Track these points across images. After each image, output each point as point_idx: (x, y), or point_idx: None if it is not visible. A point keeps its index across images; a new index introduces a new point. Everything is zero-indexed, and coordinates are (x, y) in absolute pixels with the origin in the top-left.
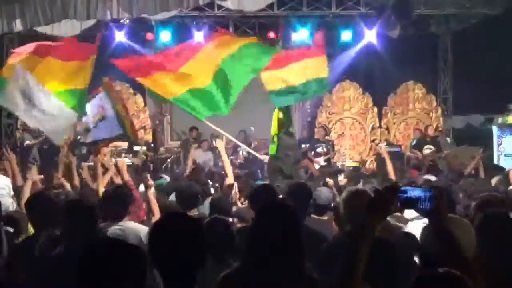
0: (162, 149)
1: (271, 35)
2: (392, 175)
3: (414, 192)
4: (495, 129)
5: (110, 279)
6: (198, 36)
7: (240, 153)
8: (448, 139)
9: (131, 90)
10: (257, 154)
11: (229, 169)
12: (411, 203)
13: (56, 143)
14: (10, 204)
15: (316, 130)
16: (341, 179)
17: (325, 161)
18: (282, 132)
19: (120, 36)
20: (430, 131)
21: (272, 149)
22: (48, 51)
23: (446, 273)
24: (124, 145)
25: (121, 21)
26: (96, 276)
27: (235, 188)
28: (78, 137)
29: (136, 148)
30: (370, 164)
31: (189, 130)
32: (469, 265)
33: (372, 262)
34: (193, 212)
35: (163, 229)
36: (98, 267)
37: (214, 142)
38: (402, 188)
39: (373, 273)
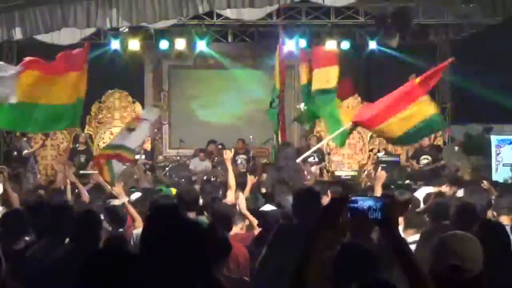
0: (160, 157)
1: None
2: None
3: (365, 202)
4: (493, 138)
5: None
6: (201, 45)
7: (239, 161)
8: (456, 148)
9: (130, 98)
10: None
11: (232, 182)
12: (362, 213)
13: None
14: None
15: (309, 137)
16: None
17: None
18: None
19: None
20: (425, 141)
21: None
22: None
23: (382, 282)
24: None
25: (120, 29)
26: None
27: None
28: (76, 145)
29: (137, 157)
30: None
31: (209, 143)
32: (421, 278)
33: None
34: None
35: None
36: (98, 277)
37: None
38: (353, 198)
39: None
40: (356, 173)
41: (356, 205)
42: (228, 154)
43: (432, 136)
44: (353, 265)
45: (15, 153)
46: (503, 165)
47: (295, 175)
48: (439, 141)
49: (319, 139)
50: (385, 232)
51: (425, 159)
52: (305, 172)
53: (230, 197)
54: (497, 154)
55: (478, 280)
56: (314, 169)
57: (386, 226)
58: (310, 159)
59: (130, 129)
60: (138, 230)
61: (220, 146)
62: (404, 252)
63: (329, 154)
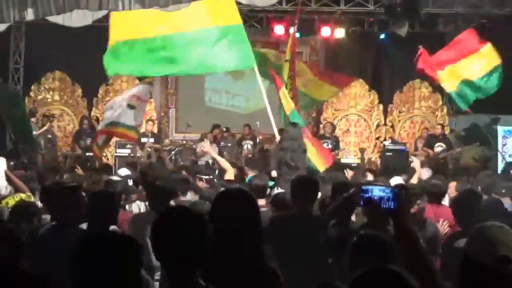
0: (167, 141)
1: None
2: None
3: (376, 192)
4: (500, 129)
5: (103, 272)
6: None
7: (245, 147)
8: (454, 138)
9: (137, 81)
10: None
11: (225, 165)
12: (374, 202)
13: None
14: (3, 187)
15: (322, 125)
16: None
17: None
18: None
19: None
20: (439, 130)
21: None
22: None
23: (386, 268)
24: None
25: None
26: (89, 270)
27: None
28: (83, 127)
29: (143, 139)
30: (375, 161)
31: (213, 127)
32: (428, 269)
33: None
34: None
35: (166, 223)
36: (91, 261)
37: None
38: (364, 188)
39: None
40: (360, 161)
41: (367, 195)
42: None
43: (442, 123)
44: (368, 256)
45: None
46: (510, 155)
47: (301, 156)
48: (447, 130)
49: (334, 127)
50: (397, 222)
51: (439, 146)
52: None
53: (229, 177)
54: (504, 145)
55: None
56: None
57: (399, 216)
58: (324, 146)
59: (130, 106)
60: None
61: (224, 129)
62: (413, 243)
63: None
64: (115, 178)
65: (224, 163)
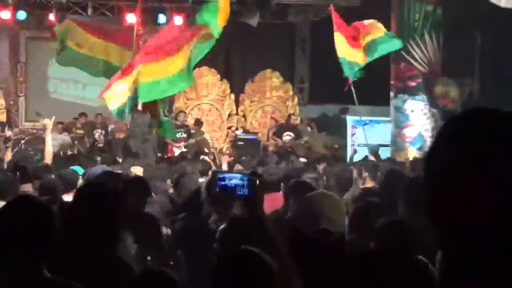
0: (16, 130)
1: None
2: None
3: (232, 180)
4: (349, 119)
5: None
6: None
7: (97, 136)
8: (308, 128)
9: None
10: None
11: (48, 151)
12: (230, 189)
13: None
14: None
15: (173, 114)
16: None
17: (185, 147)
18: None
19: None
20: (291, 120)
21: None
22: None
23: (244, 250)
24: None
25: None
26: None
27: None
28: None
29: None
30: (227, 150)
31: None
32: (279, 249)
33: None
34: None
35: (6, 213)
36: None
37: None
38: (220, 176)
39: None
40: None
41: (223, 183)
42: (47, 123)
43: (292, 113)
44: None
45: None
46: (358, 145)
47: (143, 145)
48: (297, 120)
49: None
50: (250, 208)
51: (288, 136)
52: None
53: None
54: (352, 135)
55: (342, 240)
56: (182, 145)
57: (252, 202)
58: (178, 135)
59: None
60: None
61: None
62: (264, 226)
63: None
64: None
65: (48, 149)
